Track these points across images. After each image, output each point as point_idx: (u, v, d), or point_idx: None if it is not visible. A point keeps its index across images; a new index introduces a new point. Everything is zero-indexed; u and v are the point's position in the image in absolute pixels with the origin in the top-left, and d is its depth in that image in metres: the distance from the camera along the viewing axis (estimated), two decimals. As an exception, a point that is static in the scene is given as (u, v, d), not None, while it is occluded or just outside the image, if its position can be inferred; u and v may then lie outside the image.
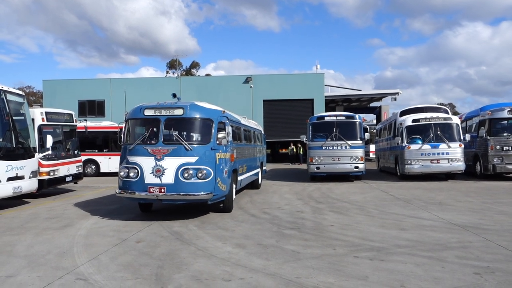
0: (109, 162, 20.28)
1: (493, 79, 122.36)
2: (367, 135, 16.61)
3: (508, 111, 15.03)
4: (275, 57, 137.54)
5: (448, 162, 15.05)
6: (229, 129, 8.68)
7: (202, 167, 7.79)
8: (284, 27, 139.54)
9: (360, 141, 15.65)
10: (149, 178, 7.77)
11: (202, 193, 7.75)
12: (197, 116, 8.22)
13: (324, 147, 15.59)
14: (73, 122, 13.85)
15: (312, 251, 5.65)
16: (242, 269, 4.92)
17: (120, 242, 6.38)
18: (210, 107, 8.66)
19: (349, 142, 15.43)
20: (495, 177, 15.49)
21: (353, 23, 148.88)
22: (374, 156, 25.90)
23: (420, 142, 15.37)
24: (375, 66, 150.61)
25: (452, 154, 15.01)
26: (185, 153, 7.79)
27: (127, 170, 7.99)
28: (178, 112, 8.09)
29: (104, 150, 20.34)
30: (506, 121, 15.36)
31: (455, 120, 15.79)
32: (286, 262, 5.15)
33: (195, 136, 8.35)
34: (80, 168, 13.83)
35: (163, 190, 7.68)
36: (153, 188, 7.72)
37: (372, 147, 28.84)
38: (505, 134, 15.06)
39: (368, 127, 31.88)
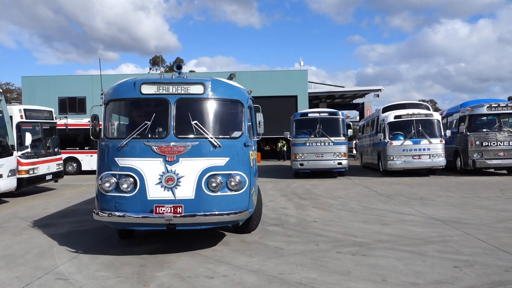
0: (90, 160, 19.98)
1: (472, 75, 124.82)
2: (350, 132, 16.74)
3: (487, 107, 15.31)
4: (257, 54, 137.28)
5: (429, 157, 15.27)
6: (260, 116, 6.46)
7: (234, 172, 5.45)
8: (265, 23, 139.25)
9: (343, 138, 15.76)
10: (155, 192, 5.19)
11: (235, 211, 5.36)
12: (224, 96, 5.80)
13: (307, 144, 15.66)
14: (53, 119, 13.61)
15: (295, 247, 5.67)
16: (226, 266, 4.91)
17: (102, 241, 6.29)
18: (235, 84, 6.34)
19: (332, 139, 15.52)
20: (475, 172, 15.77)
21: (333, 20, 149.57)
22: (357, 152, 26.14)
23: (402, 138, 15.56)
24: (357, 63, 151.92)
25: (433, 150, 15.24)
26: (211, 151, 5.42)
27: (115, 180, 5.30)
28: (196, 89, 5.59)
29: (86, 148, 20.05)
30: (485, 117, 15.65)
31: (436, 116, 16.03)
32: (269, 259, 5.15)
33: (221, 126, 5.86)
34: (60, 166, 13.59)
35: (179, 209, 5.10)
36: (163, 207, 5.10)
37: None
38: (484, 130, 15.34)
39: (351, 123, 32.17)
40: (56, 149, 13.52)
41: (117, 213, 5.22)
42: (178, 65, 5.93)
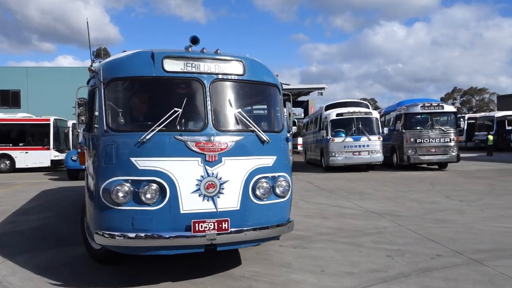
0: (25, 157, 18.95)
1: (408, 76, 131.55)
2: (294, 129, 17.15)
3: (421, 106, 16.32)
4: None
5: (368, 154, 16.02)
6: (290, 107, 5.36)
7: (280, 174, 4.50)
8: (210, 18, 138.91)
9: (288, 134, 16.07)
10: (191, 202, 4.00)
11: (282, 222, 4.46)
12: (263, 79, 4.73)
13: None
14: (-17, 114, 12.75)
15: (240, 242, 5.75)
16: (169, 262, 4.90)
17: (39, 241, 6.03)
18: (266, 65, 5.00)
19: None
20: (409, 167, 16.75)
21: (278, 17, 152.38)
22: (302, 148, 26.82)
23: (343, 135, 16.18)
24: (301, 61, 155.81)
25: (372, 146, 16.00)
26: (258, 148, 4.38)
27: (132, 188, 3.95)
28: (234, 68, 4.45)
29: (20, 144, 18.96)
30: (419, 116, 16.67)
31: (375, 114, 16.85)
32: (214, 254, 5.20)
33: (263, 116, 5.02)
34: (-8, 164, 12.77)
35: (224, 225, 3.98)
36: (204, 222, 3.95)
37: (300, 140, 29.83)
38: (418, 128, 16.33)
39: (296, 120, 32.85)
40: (-14, 146, 12.69)
41: (136, 234, 3.87)
42: (194, 37, 4.38)
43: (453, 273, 4.36)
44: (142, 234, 3.87)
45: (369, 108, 18.34)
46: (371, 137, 15.98)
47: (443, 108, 16.57)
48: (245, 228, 4.09)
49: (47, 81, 30.46)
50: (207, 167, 4.03)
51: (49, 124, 19.05)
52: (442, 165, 16.81)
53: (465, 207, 8.21)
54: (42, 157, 18.96)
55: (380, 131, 16.41)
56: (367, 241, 5.69)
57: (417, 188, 11.14)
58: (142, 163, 3.97)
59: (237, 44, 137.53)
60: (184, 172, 3.99)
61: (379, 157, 16.11)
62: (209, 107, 4.19)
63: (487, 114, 35.17)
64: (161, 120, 4.04)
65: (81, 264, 4.88)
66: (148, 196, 3.92)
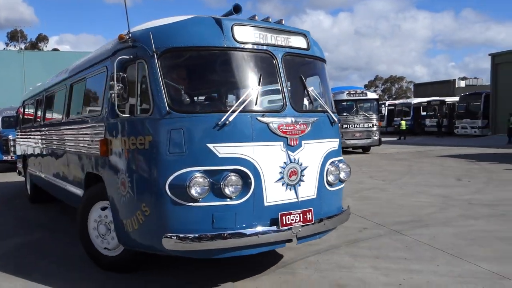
0: None
1: (334, 64, 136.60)
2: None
3: (347, 93, 17.33)
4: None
5: (300, 140, 16.72)
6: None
7: (340, 158, 4.24)
8: (136, 1, 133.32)
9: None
10: (275, 193, 3.52)
11: (344, 209, 4.29)
12: (320, 55, 4.38)
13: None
14: None
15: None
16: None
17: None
18: None
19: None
20: (337, 151, 17.72)
21: (207, 2, 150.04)
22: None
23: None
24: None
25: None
26: (329, 130, 4.06)
27: (210, 180, 3.33)
28: (299, 42, 4.01)
29: None
30: (345, 103, 17.66)
31: (305, 102, 17.59)
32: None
33: (322, 95, 4.32)
34: None
35: (308, 216, 3.62)
36: (291, 214, 3.53)
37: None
38: (344, 114, 17.32)
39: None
40: None
41: (215, 234, 3.31)
42: (236, 5, 3.71)
43: (376, 242, 4.93)
44: (229, 233, 3.32)
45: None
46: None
47: (366, 95, 17.73)
48: (324, 217, 3.82)
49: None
50: (289, 152, 3.58)
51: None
52: (365, 149, 18.03)
53: (387, 185, 9.04)
54: (-45, 149, 17.41)
55: (310, 117, 17.17)
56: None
57: (344, 170, 11.92)
58: (222, 149, 3.36)
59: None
60: (267, 158, 3.48)
61: (309, 142, 16.87)
62: (284, 84, 3.70)
63: (405, 101, 37.94)
64: (242, 98, 3.48)
65: (22, 256, 4.78)
66: (232, 188, 3.35)
